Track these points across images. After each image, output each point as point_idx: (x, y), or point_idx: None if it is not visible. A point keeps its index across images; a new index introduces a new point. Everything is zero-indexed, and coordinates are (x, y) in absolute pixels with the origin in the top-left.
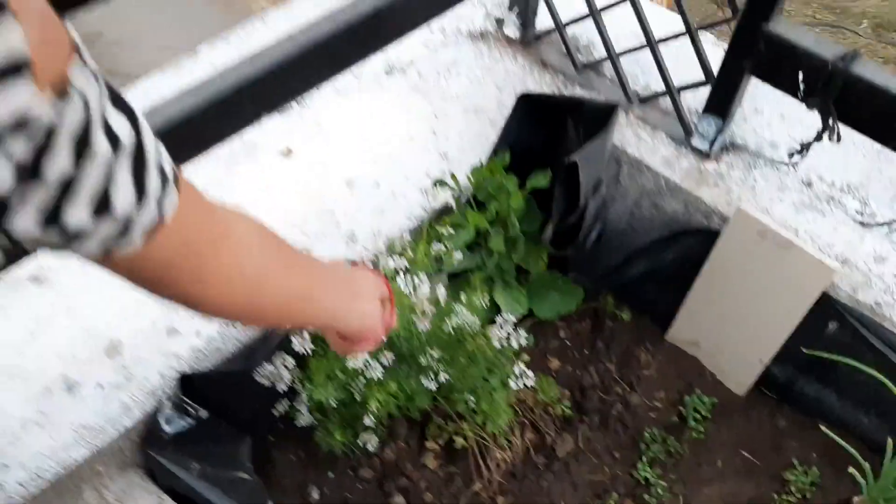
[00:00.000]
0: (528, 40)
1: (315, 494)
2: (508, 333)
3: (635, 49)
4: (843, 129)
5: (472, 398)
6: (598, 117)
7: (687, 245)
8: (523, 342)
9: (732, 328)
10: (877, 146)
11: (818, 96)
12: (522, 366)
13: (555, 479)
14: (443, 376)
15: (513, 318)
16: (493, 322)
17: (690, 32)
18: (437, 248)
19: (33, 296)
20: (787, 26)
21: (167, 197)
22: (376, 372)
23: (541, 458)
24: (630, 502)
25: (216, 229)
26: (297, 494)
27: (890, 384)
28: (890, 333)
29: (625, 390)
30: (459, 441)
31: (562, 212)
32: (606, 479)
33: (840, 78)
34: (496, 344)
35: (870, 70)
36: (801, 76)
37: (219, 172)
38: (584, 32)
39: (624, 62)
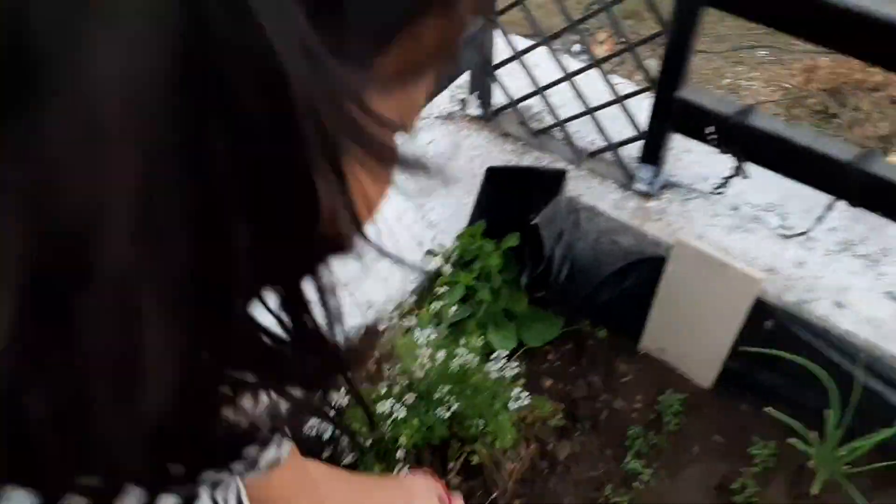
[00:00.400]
0: (489, 116)
1: None
2: (502, 365)
3: (577, 116)
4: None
5: (481, 422)
6: (552, 181)
7: (642, 271)
8: (514, 371)
9: (690, 334)
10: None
11: (727, 144)
12: (518, 390)
13: (559, 479)
14: (454, 407)
15: (505, 352)
16: (490, 357)
17: (619, 100)
18: (435, 305)
19: None
20: (694, 91)
21: None
22: (401, 412)
23: (545, 464)
24: (623, 491)
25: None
26: None
27: (815, 367)
28: (813, 326)
29: (609, 397)
30: (475, 459)
31: (532, 263)
32: (601, 474)
33: (740, 128)
34: (494, 375)
35: (764, 120)
36: (710, 129)
37: None
38: (536, 104)
39: (573, 124)
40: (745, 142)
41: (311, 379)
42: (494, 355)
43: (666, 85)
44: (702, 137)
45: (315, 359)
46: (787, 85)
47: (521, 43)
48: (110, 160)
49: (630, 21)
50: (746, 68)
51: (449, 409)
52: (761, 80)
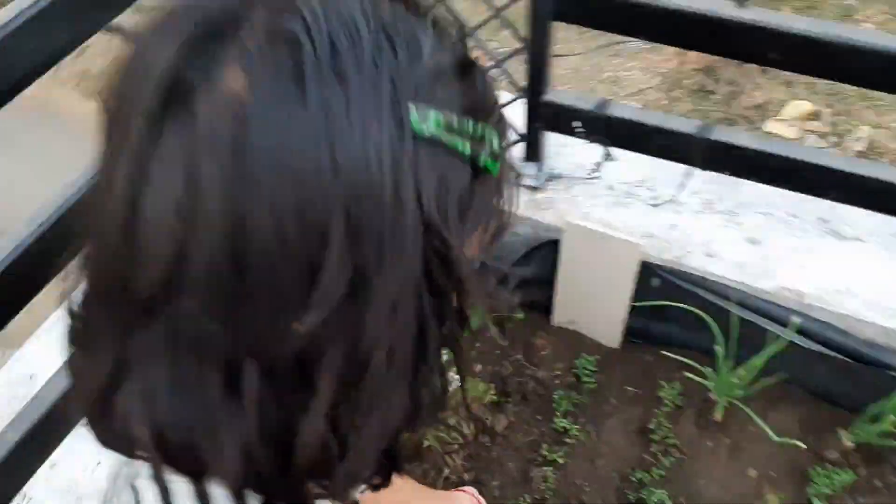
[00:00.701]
0: None
1: None
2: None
3: None
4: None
5: None
6: None
7: (543, 254)
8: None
9: (593, 303)
10: None
11: (592, 134)
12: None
13: (500, 449)
14: None
15: None
16: None
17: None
18: None
19: None
20: (558, 93)
21: None
22: None
23: (486, 438)
24: (557, 448)
25: None
26: None
27: (698, 311)
28: (691, 276)
29: (533, 370)
30: (425, 443)
31: None
32: (536, 436)
33: (600, 119)
34: None
35: (619, 109)
36: (577, 124)
37: None
38: None
39: None
40: (606, 130)
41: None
42: None
43: (533, 91)
44: (570, 132)
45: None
46: (663, 70)
47: None
48: (399, 325)
49: (494, 42)
50: (623, 60)
51: None
52: (639, 69)
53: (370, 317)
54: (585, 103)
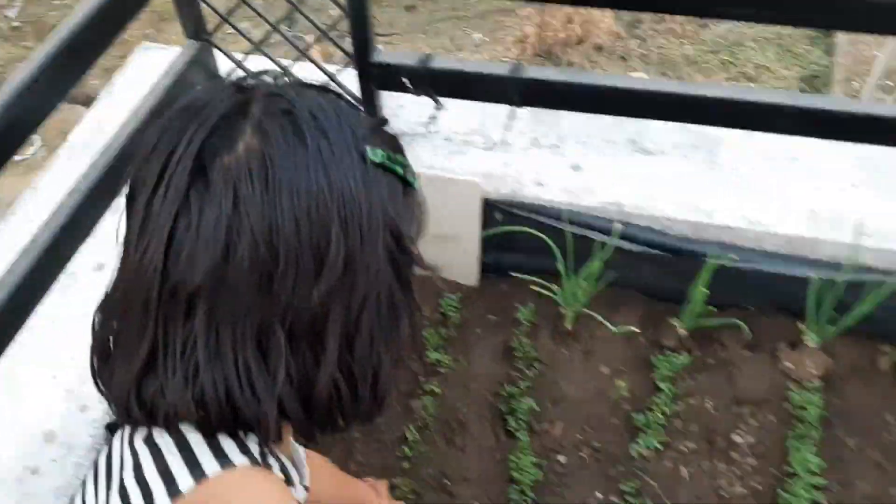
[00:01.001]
0: None
1: None
2: None
3: None
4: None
5: None
6: None
7: None
8: None
9: (449, 248)
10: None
11: (421, 87)
12: None
13: None
14: None
15: None
16: None
17: (331, 77)
18: None
19: None
20: (384, 54)
21: None
22: None
23: None
24: (432, 378)
25: None
26: None
27: (538, 234)
28: (528, 205)
29: None
30: None
31: None
32: (413, 372)
33: (425, 72)
34: None
35: (441, 61)
36: (405, 80)
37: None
38: None
39: None
40: (432, 82)
41: None
42: None
43: (360, 54)
44: (401, 88)
45: None
46: (506, 59)
47: (253, 58)
48: (380, 281)
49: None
50: (468, 53)
51: None
52: (484, 59)
53: (360, 280)
54: (411, 59)
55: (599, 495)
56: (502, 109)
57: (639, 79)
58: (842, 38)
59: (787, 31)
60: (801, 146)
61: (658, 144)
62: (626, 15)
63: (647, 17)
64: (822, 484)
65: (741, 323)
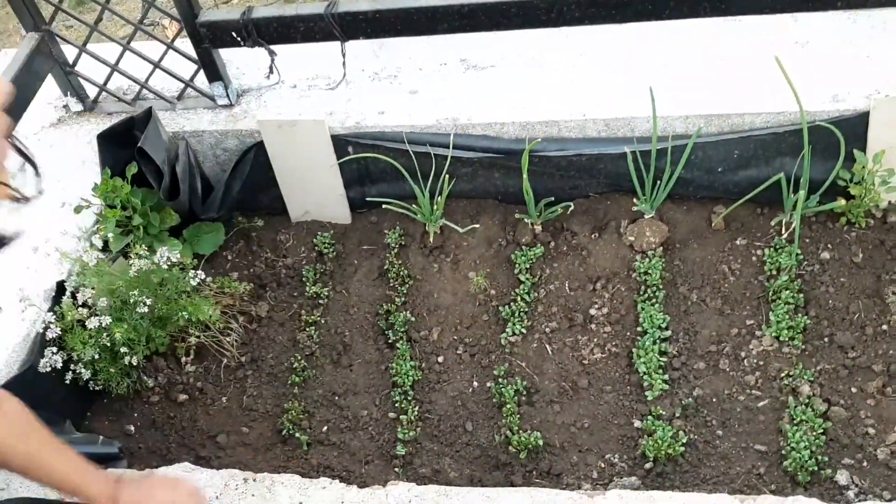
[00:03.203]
0: (90, 106)
1: (130, 427)
2: (187, 274)
3: (151, 73)
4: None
5: (184, 314)
6: (144, 118)
7: (255, 156)
8: (197, 277)
9: (314, 189)
10: (324, 44)
11: (252, 38)
12: (192, 274)
13: (267, 329)
14: (148, 302)
15: (175, 256)
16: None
17: (169, 46)
18: (97, 239)
19: None
20: (208, 12)
21: None
22: (106, 320)
23: (254, 325)
24: (314, 310)
25: None
26: (118, 431)
27: (388, 160)
28: (372, 133)
29: (282, 261)
30: (197, 343)
31: (157, 180)
32: (296, 308)
33: (249, 24)
34: (188, 280)
35: (262, 11)
36: (233, 35)
37: None
38: (123, 79)
39: (156, 79)
40: (259, 32)
41: None
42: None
43: (187, 18)
44: (233, 43)
45: None
46: None
47: (101, 43)
48: None
49: None
50: None
51: (145, 305)
52: None
53: None
54: (234, 14)
55: (476, 384)
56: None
57: None
58: None
59: None
60: (616, 39)
61: (488, 59)
62: None
63: None
64: (668, 336)
65: (570, 203)
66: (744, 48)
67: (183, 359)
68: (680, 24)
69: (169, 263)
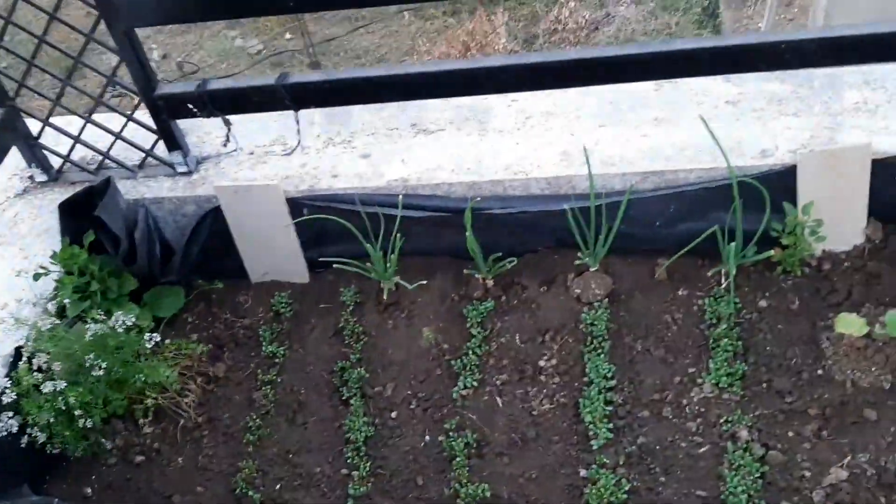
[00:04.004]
0: (55, 176)
1: (88, 490)
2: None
3: (112, 144)
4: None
5: (140, 376)
6: (103, 187)
7: (213, 221)
8: (153, 339)
9: (272, 250)
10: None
11: (207, 109)
12: (147, 336)
13: (224, 388)
14: (104, 366)
15: (131, 320)
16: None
17: (130, 118)
18: (51, 306)
19: None
20: (164, 85)
21: None
22: (60, 384)
23: (212, 385)
24: (269, 370)
25: None
26: (76, 495)
27: (338, 219)
28: (325, 196)
29: (241, 321)
30: (155, 405)
31: (114, 247)
32: (252, 368)
33: (204, 96)
34: (145, 344)
35: (216, 83)
36: (189, 106)
37: None
38: (87, 150)
39: (117, 149)
40: (214, 104)
41: None
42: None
43: (145, 91)
44: (190, 114)
45: None
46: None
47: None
48: None
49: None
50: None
51: (100, 369)
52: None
53: None
54: (189, 87)
55: (428, 438)
56: (301, 117)
57: (383, 66)
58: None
59: (675, 19)
60: (557, 103)
61: (436, 123)
62: (521, 33)
63: (541, 30)
64: (614, 385)
65: (514, 259)
66: (678, 108)
67: (140, 420)
68: (619, 87)
69: (125, 327)
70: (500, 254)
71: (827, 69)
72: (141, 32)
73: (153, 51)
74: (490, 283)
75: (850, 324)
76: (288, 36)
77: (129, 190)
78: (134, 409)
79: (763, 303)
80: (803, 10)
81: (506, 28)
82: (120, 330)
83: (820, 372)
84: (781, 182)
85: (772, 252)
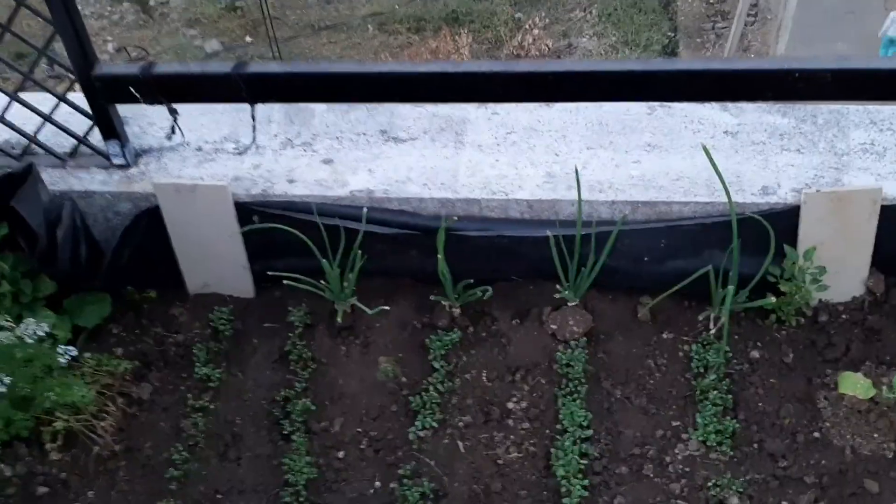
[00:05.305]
0: None
1: None
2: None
3: (39, 129)
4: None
5: (50, 395)
6: (23, 175)
7: (149, 222)
8: (69, 353)
9: (215, 259)
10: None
11: (152, 95)
12: (72, 353)
13: (148, 413)
14: (7, 381)
15: (44, 329)
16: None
17: (63, 99)
18: None
19: None
20: (105, 65)
21: None
22: None
23: (134, 409)
24: (204, 395)
25: None
26: None
27: (292, 230)
28: (279, 203)
29: (173, 337)
30: (66, 428)
31: (29, 244)
32: (182, 392)
33: (150, 80)
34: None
35: (164, 67)
36: (131, 89)
37: None
38: (12, 134)
39: (43, 134)
40: (160, 90)
41: None
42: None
43: (81, 69)
44: (131, 99)
45: None
46: None
47: None
48: None
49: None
50: None
51: (2, 384)
52: None
53: None
54: (134, 68)
55: (378, 484)
56: (258, 113)
57: (352, 62)
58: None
59: (635, 54)
60: (542, 119)
61: (408, 131)
62: (484, 56)
63: (503, 55)
64: (590, 435)
65: (489, 288)
66: (672, 134)
67: (48, 445)
68: (609, 107)
69: (36, 337)
70: (471, 280)
71: (832, 105)
72: (96, 24)
73: (108, 43)
74: (457, 311)
75: (854, 385)
76: (248, 38)
77: (56, 181)
78: (41, 432)
79: (755, 353)
80: (760, 54)
81: (469, 50)
82: (30, 340)
83: (817, 435)
84: (781, 223)
85: (772, 299)
